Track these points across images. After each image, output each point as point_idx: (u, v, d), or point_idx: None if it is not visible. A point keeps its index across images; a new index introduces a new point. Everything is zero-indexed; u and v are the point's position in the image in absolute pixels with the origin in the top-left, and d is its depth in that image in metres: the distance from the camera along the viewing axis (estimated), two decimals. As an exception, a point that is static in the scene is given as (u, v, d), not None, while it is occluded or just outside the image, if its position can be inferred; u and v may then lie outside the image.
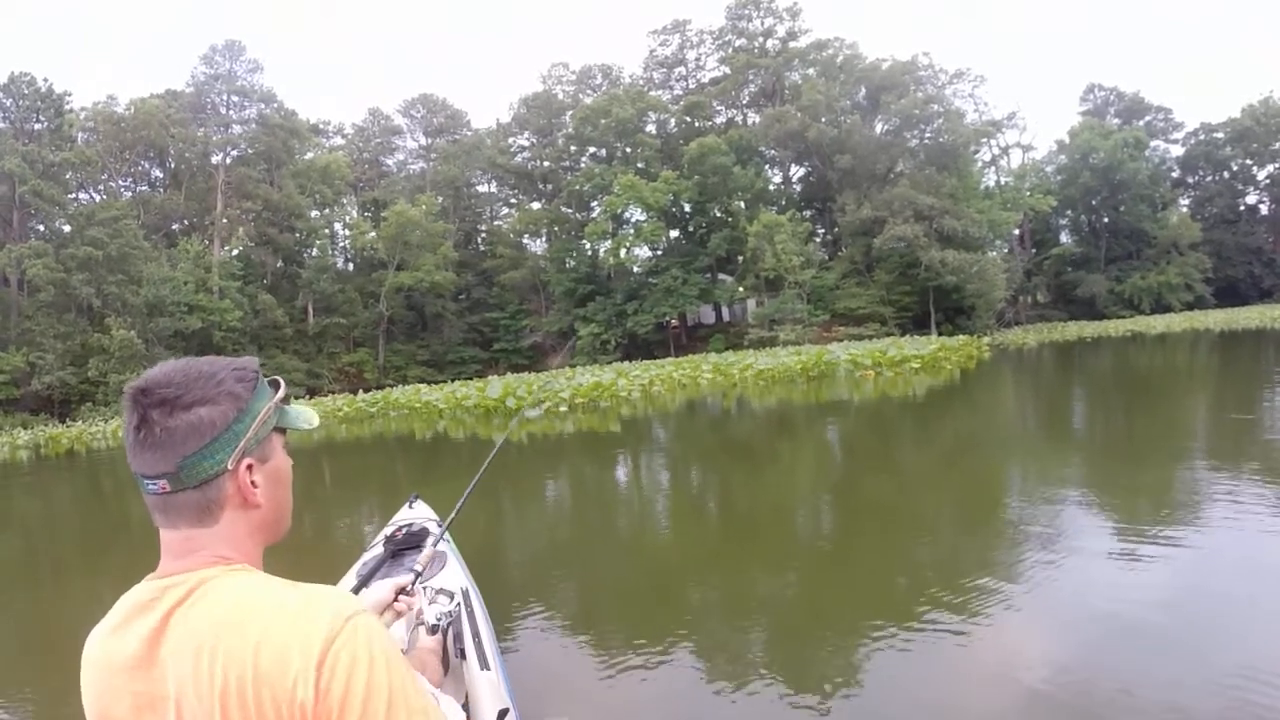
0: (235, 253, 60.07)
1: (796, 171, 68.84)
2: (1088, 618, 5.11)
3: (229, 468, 1.20)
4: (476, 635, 3.14)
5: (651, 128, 67.04)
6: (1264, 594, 5.22)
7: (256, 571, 1.22)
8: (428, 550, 2.89)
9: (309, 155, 66.26)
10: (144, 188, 62.56)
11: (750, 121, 68.29)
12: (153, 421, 1.17)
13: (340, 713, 1.08)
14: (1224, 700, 3.81)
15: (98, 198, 55.60)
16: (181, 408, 1.17)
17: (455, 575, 3.11)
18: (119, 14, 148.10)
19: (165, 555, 1.23)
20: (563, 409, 24.22)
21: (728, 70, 67.92)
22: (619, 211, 59.91)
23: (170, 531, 1.22)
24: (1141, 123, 71.68)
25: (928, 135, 56.93)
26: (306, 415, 1.37)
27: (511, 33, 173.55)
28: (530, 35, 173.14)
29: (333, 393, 47.98)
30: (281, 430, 1.32)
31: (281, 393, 1.32)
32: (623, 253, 60.61)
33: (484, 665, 2.90)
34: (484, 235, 75.55)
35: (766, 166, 65.96)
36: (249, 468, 1.23)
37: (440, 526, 3.74)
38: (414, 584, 2.44)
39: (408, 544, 3.41)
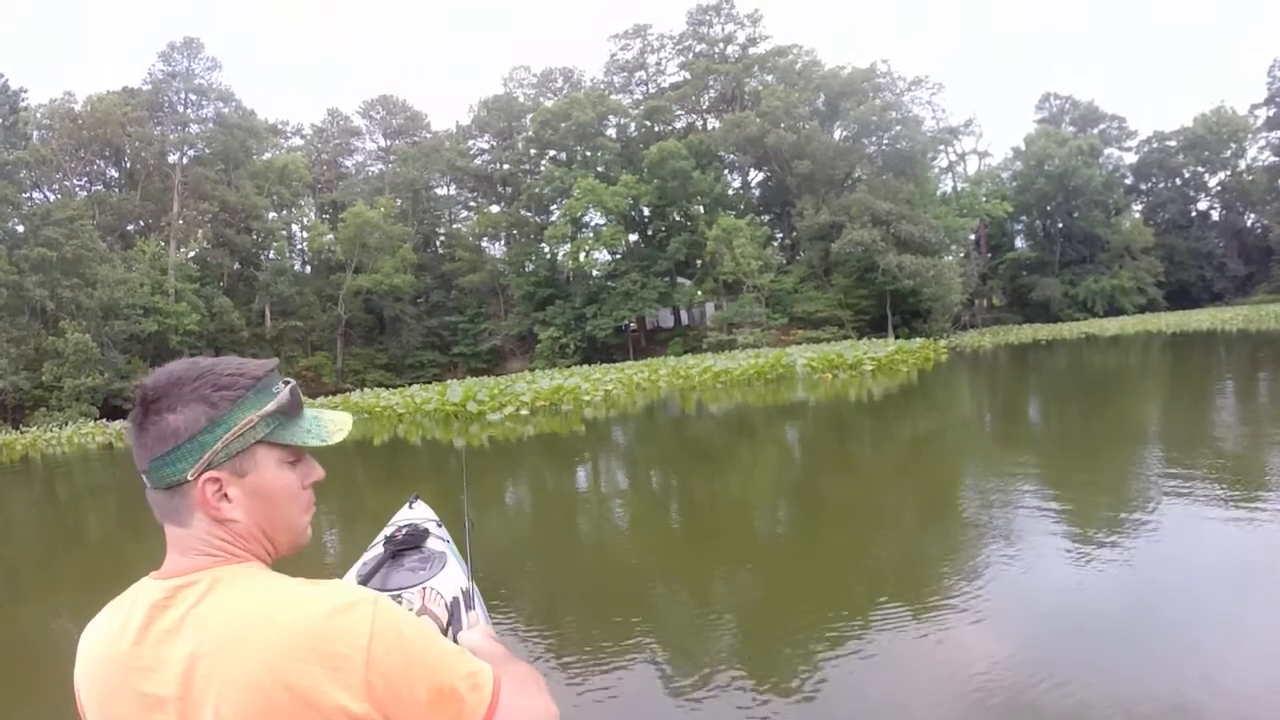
0: (192, 254, 59.15)
1: (755, 176, 69.35)
2: (1041, 615, 5.28)
3: (189, 479, 1.16)
4: None
5: (612, 131, 67.24)
6: (1210, 591, 5.39)
7: (267, 569, 1.20)
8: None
9: (267, 155, 65.62)
10: (99, 187, 61.58)
11: (710, 126, 68.69)
12: (139, 419, 1.19)
13: (387, 689, 1.07)
14: (1169, 697, 3.95)
15: (52, 197, 54.64)
16: (155, 411, 1.17)
17: (455, 575, 3.15)
18: (119, 14, 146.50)
19: (169, 550, 1.22)
20: (524, 412, 24.22)
21: (688, 75, 68.29)
22: (578, 215, 59.90)
23: (167, 527, 1.23)
24: (1096, 130, 72.90)
25: (885, 141, 57.59)
26: (321, 430, 1.27)
27: (513, 31, 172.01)
28: (501, 37, 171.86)
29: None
30: (278, 445, 1.23)
31: (274, 405, 1.21)
32: (582, 256, 60.53)
33: None
34: (443, 238, 74.92)
35: (726, 171, 66.45)
36: (214, 481, 1.17)
37: (439, 526, 3.79)
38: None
39: (408, 544, 3.45)
